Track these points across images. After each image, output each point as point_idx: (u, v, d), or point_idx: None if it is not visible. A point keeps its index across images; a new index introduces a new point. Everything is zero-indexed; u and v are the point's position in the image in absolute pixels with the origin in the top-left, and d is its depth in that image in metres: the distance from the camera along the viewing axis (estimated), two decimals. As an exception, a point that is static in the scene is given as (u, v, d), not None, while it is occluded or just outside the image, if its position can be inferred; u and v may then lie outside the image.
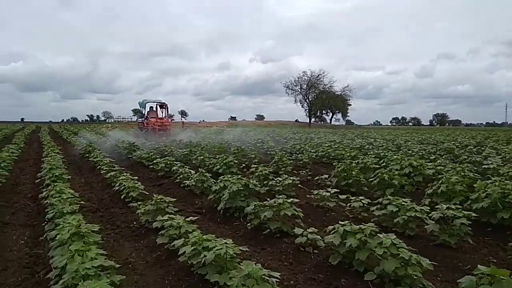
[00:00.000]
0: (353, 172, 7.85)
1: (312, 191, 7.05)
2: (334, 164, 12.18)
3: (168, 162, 10.08)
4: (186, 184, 8.07)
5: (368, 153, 12.88)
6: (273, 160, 10.49)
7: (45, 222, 5.49)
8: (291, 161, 11.27)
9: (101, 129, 36.79)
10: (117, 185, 7.77)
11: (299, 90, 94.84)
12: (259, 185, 6.58)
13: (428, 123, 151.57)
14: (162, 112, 26.35)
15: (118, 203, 7.35)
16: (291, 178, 7.44)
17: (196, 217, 5.20)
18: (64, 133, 31.57)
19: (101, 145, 17.51)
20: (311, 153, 13.28)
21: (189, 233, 4.16)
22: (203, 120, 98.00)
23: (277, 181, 7.56)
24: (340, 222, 4.11)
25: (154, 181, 9.96)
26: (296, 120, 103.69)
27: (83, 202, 6.88)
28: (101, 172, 10.01)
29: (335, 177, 8.18)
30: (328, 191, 6.31)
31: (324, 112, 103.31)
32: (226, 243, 3.56)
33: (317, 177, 8.76)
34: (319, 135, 28.32)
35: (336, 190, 6.38)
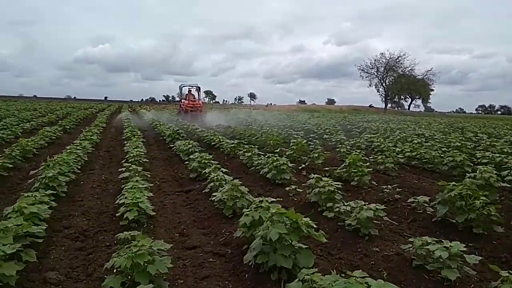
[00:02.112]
0: (478, 201, 4.73)
1: (406, 231, 4.17)
2: (428, 168, 9.07)
3: (203, 161, 7.69)
4: (215, 197, 5.63)
5: (478, 156, 9.31)
6: (344, 163, 7.61)
7: None
8: (368, 163, 8.30)
9: (141, 110, 40.90)
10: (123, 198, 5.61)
11: (375, 73, 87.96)
12: (314, 225, 3.81)
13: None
14: (196, 95, 27.78)
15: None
16: (373, 206, 4.59)
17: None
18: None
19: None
20: (394, 152, 10.09)
21: None
22: (271, 104, 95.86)
23: (350, 207, 4.79)
24: None
25: (183, 184, 7.69)
26: (370, 106, 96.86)
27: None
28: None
29: (444, 203, 5.13)
30: (446, 248, 3.40)
31: (402, 97, 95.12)
32: None
33: (410, 199, 5.75)
34: (399, 125, 24.21)
35: (440, 221, 3.44)
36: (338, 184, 5.55)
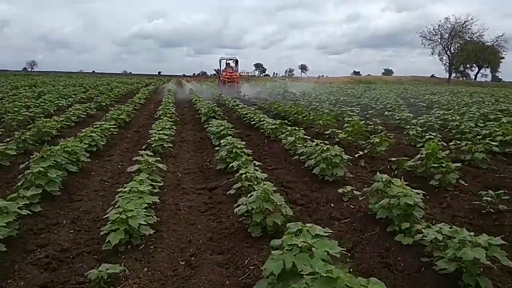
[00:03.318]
0: None
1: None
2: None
3: (233, 149, 6.11)
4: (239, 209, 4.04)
5: None
6: (419, 154, 5.67)
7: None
8: (447, 151, 6.30)
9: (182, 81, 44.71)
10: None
11: (439, 40, 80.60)
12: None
13: None
14: (233, 67, 29.35)
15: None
16: (483, 239, 2.80)
17: None
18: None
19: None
20: (480, 136, 7.87)
21: None
22: (322, 75, 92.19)
23: (441, 235, 3.03)
24: None
25: (209, 178, 6.22)
26: (432, 76, 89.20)
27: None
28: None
29: None
30: None
31: (468, 66, 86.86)
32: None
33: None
34: (472, 98, 20.99)
35: None
36: (419, 194, 3.74)
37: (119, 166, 6.93)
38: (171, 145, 7.76)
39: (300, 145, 6.60)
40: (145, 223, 3.56)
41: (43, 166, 4.81)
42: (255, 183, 4.62)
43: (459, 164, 5.22)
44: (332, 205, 4.68)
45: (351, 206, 4.53)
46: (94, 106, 13.83)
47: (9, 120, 9.93)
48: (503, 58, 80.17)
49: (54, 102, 14.45)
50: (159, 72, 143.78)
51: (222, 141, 6.99)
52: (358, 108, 13.57)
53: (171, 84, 38.63)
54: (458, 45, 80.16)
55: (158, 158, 6.10)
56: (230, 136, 7.50)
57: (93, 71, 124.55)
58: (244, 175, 4.69)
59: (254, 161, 5.52)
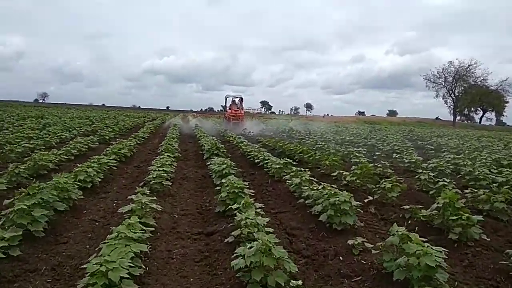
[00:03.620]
0: None
1: None
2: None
3: (232, 190, 5.71)
4: (236, 263, 3.59)
5: None
6: (436, 203, 5.22)
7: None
8: (463, 200, 5.85)
9: (188, 117, 44.49)
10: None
11: (443, 83, 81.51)
12: None
13: None
14: (238, 105, 30.09)
15: None
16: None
17: None
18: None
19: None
20: (494, 182, 7.44)
21: None
22: (327, 114, 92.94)
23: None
24: None
25: (207, 221, 5.80)
26: (437, 118, 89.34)
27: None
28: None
29: None
30: None
31: (472, 110, 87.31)
32: None
33: None
34: (481, 142, 20.62)
35: None
36: (440, 252, 3.30)
37: (114, 205, 6.53)
38: (170, 184, 7.38)
39: (306, 188, 6.20)
40: (128, 276, 3.12)
41: (27, 204, 4.45)
42: (256, 230, 4.21)
43: (480, 217, 4.77)
44: (341, 258, 4.22)
45: (363, 261, 4.06)
46: (97, 139, 13.63)
47: (7, 151, 9.68)
48: (507, 102, 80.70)
49: (57, 134, 14.30)
50: (167, 107, 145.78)
51: (223, 180, 6.62)
52: (365, 149, 13.23)
53: (178, 119, 38.99)
54: (462, 88, 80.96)
55: (154, 198, 5.72)
56: (232, 175, 7.14)
57: (103, 104, 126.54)
58: (243, 221, 4.28)
59: (256, 204, 5.10)
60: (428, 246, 3.35)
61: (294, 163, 8.80)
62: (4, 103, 63.76)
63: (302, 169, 7.14)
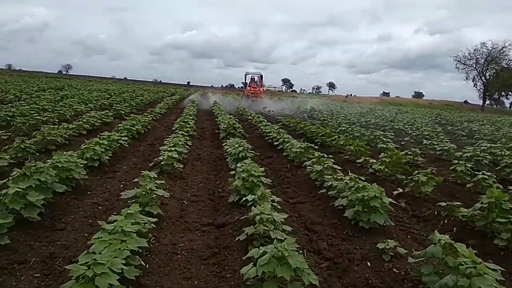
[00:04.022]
0: None
1: None
2: None
3: (249, 178, 5.15)
4: (247, 271, 3.10)
5: None
6: (480, 202, 4.53)
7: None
8: (507, 196, 5.13)
9: (208, 93, 44.97)
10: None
11: (474, 66, 77.88)
12: None
13: None
14: (257, 82, 30.20)
15: None
16: None
17: None
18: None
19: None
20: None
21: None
22: (351, 95, 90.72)
23: None
24: None
25: (219, 210, 5.30)
26: (465, 101, 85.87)
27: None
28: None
29: None
30: None
31: (503, 94, 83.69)
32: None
33: None
34: (510, 130, 19.34)
35: None
36: (496, 272, 2.68)
37: (121, 186, 6.12)
38: (182, 165, 6.91)
39: (329, 177, 5.60)
40: (119, 284, 2.64)
41: (22, 187, 4.03)
42: (272, 227, 3.67)
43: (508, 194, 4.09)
44: (369, 264, 3.65)
45: (395, 269, 3.48)
46: (112, 113, 13.27)
47: (18, 124, 9.40)
48: (540, 87, 76.76)
49: (73, 107, 14.01)
50: (188, 82, 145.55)
51: (238, 165, 6.08)
52: (392, 134, 12.41)
53: (197, 95, 38.75)
54: (494, 71, 77.41)
55: (163, 182, 5.27)
56: (249, 159, 6.59)
57: (125, 78, 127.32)
58: (258, 217, 3.73)
59: (273, 196, 4.54)
60: (481, 263, 2.74)
61: (316, 147, 8.17)
62: (28, 73, 64.70)
63: (325, 155, 6.50)
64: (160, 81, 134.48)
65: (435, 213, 5.14)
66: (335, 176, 5.43)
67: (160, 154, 6.94)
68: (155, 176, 5.28)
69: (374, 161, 7.27)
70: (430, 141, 10.36)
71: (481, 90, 78.49)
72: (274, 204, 4.27)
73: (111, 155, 7.18)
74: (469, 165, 6.90)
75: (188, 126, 10.81)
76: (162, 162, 6.56)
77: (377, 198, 4.22)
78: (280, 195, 6.06)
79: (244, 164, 5.85)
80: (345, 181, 4.96)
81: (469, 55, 77.51)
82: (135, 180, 5.25)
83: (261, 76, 30.85)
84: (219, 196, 5.82)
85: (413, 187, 5.75)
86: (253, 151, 7.38)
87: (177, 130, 9.78)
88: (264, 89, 45.75)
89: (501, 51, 74.35)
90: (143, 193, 4.50)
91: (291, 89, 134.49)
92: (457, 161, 7.30)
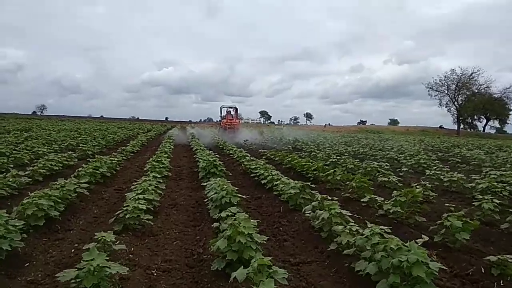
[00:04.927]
0: None
1: None
2: None
3: (237, 238, 3.87)
4: None
5: None
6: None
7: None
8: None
9: (187, 127, 45.89)
10: None
11: (446, 91, 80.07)
12: None
13: None
14: (233, 114, 31.42)
15: None
16: None
17: None
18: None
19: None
20: None
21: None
22: (329, 124, 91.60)
23: None
24: None
25: (200, 283, 3.96)
26: (441, 127, 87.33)
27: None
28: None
29: None
30: None
31: (476, 118, 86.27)
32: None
33: None
34: (506, 153, 18.85)
35: None
36: None
37: (72, 251, 4.71)
38: (152, 217, 5.57)
39: (339, 228, 4.38)
40: None
41: None
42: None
43: None
44: None
45: None
46: (77, 155, 11.81)
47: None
48: (511, 110, 79.38)
49: (33, 150, 12.45)
50: (166, 118, 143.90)
51: (222, 214, 4.84)
52: (387, 163, 11.42)
53: (175, 129, 38.12)
54: (465, 96, 79.79)
55: (123, 246, 3.93)
56: (235, 207, 5.33)
57: (101, 116, 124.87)
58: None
59: (275, 267, 3.25)
60: None
61: (310, 184, 7.00)
62: (1, 115, 62.16)
63: (329, 198, 5.29)
64: (138, 118, 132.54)
65: (482, 270, 3.97)
66: (349, 228, 4.22)
67: (125, 204, 5.59)
68: (113, 239, 3.94)
69: (382, 199, 6.16)
70: (432, 171, 9.37)
71: (455, 115, 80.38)
72: (279, 279, 3.00)
73: (63, 208, 5.78)
74: (497, 201, 5.84)
75: (162, 165, 9.47)
76: (126, 216, 5.22)
77: (420, 264, 3.02)
78: (277, 251, 4.82)
79: (229, 213, 4.62)
80: (366, 235, 3.75)
81: (440, 81, 79.91)
82: (86, 247, 3.89)
83: (236, 109, 32.49)
84: (199, 259, 4.47)
85: (444, 234, 4.58)
86: (239, 195, 6.11)
87: (149, 172, 8.44)
88: (242, 121, 46.82)
89: (471, 76, 77.02)
90: (90, 271, 3.16)
91: (269, 121, 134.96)
92: (472, 195, 6.26)
